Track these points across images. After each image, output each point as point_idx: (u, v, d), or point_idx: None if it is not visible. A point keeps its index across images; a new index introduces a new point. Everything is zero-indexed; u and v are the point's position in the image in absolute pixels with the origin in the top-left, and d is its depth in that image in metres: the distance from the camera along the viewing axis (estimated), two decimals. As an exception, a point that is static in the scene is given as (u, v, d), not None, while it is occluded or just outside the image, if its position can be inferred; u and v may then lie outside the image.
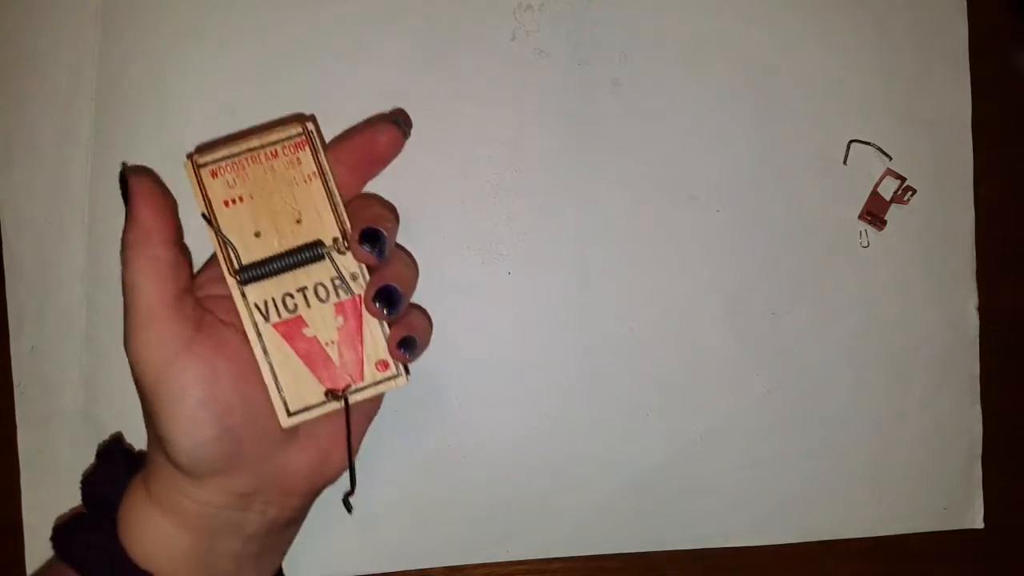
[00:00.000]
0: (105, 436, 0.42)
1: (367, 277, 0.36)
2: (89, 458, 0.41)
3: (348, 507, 0.37)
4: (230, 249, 0.34)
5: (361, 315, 0.36)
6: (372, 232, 0.35)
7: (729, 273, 0.44)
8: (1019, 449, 0.46)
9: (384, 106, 0.42)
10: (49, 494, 0.41)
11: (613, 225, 0.44)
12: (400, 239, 0.41)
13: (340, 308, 0.36)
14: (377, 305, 0.35)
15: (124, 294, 0.34)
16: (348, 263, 0.36)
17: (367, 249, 0.35)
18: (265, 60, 0.42)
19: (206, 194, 0.34)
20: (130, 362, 0.34)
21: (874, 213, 0.45)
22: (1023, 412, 0.46)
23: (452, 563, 0.43)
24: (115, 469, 0.38)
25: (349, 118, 0.42)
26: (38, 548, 0.41)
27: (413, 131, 0.42)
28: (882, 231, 0.45)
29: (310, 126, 0.35)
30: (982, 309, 0.46)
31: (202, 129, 0.42)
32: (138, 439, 0.42)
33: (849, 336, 0.45)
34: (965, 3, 0.46)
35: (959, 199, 0.46)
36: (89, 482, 0.39)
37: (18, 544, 0.41)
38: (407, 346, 0.36)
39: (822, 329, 0.45)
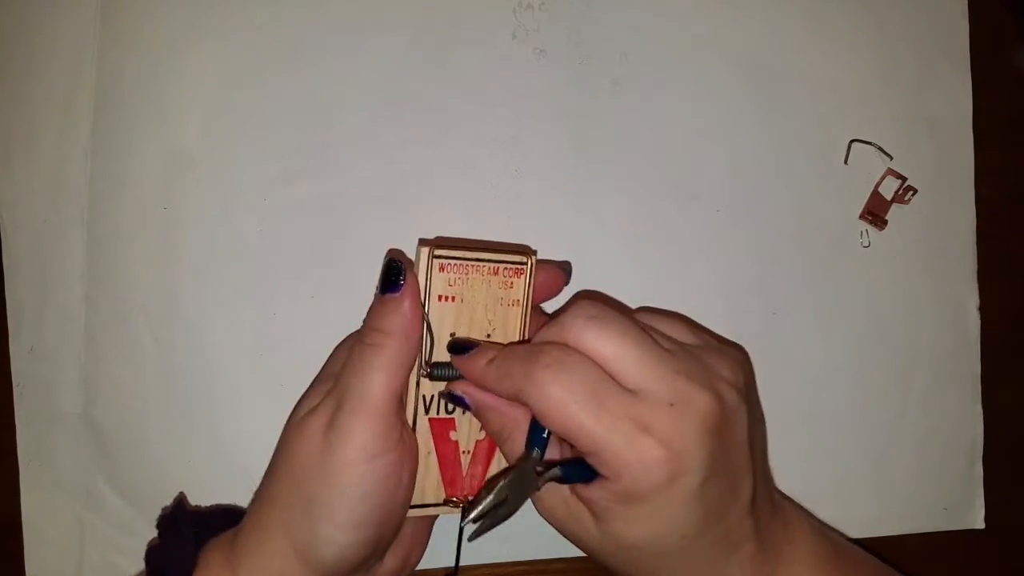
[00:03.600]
0: (105, 436, 0.41)
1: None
2: (89, 458, 0.41)
3: None
4: (430, 340, 0.35)
5: None
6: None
7: (729, 273, 0.44)
8: (1019, 449, 0.46)
9: (384, 106, 0.42)
10: (49, 494, 0.41)
11: (613, 225, 0.44)
12: (400, 238, 0.41)
13: None
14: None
15: (356, 372, 0.33)
16: None
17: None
18: (264, 60, 0.42)
19: (429, 284, 0.35)
20: (333, 442, 0.33)
21: (875, 213, 0.45)
22: (1023, 412, 0.46)
23: (452, 563, 0.43)
24: (184, 542, 0.36)
25: (349, 118, 0.42)
26: (38, 548, 0.41)
27: (413, 131, 0.42)
28: (883, 231, 0.45)
29: (533, 260, 0.37)
30: (982, 309, 0.46)
31: (201, 129, 0.42)
32: (136, 441, 0.42)
33: (849, 336, 0.45)
34: (966, 3, 0.46)
35: (960, 199, 0.46)
36: (156, 555, 0.36)
37: (18, 544, 0.41)
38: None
39: (822, 329, 0.45)
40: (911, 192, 0.45)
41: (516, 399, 0.32)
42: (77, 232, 0.42)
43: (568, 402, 0.30)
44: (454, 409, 0.36)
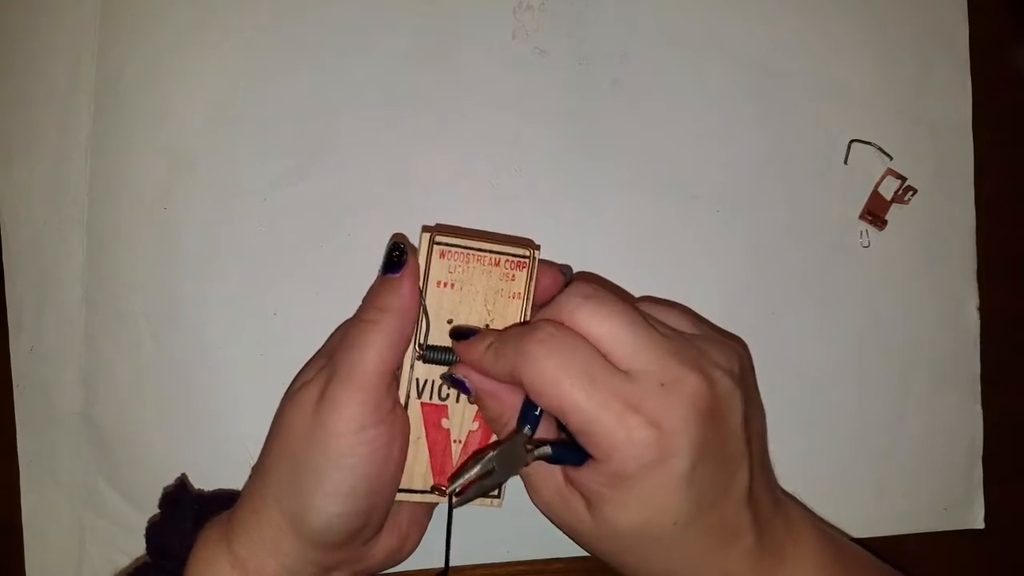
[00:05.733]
0: (105, 436, 0.41)
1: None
2: (89, 458, 0.41)
3: None
4: (426, 323, 0.36)
5: (491, 433, 0.37)
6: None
7: (729, 273, 0.44)
8: (1019, 449, 0.46)
9: (384, 106, 0.42)
10: (49, 494, 0.41)
11: (613, 225, 0.44)
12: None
13: (481, 417, 0.37)
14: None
15: (352, 346, 0.34)
16: None
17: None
18: (264, 60, 0.42)
19: (428, 268, 0.36)
20: (324, 411, 0.33)
21: (875, 213, 0.45)
22: (1023, 412, 0.46)
23: (452, 563, 0.43)
24: (183, 518, 0.37)
25: (349, 118, 0.42)
26: (38, 548, 0.41)
27: (413, 131, 0.42)
28: (883, 231, 0.45)
29: (536, 254, 0.37)
30: (982, 309, 0.46)
31: (201, 129, 0.42)
32: (136, 441, 0.42)
33: (849, 336, 0.45)
34: (966, 3, 0.46)
35: (960, 199, 0.46)
36: (155, 532, 0.37)
37: (18, 544, 0.41)
38: None
39: (822, 329, 0.45)
40: (911, 192, 0.45)
41: (512, 380, 0.32)
42: (77, 232, 0.42)
43: (561, 378, 0.30)
44: (447, 396, 0.36)
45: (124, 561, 0.41)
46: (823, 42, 0.45)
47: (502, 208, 0.43)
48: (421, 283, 0.36)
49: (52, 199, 0.41)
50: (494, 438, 0.36)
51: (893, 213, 0.45)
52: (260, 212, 0.42)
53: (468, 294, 0.36)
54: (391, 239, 0.36)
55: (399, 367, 0.35)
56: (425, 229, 0.36)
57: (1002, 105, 0.46)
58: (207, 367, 0.41)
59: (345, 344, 0.34)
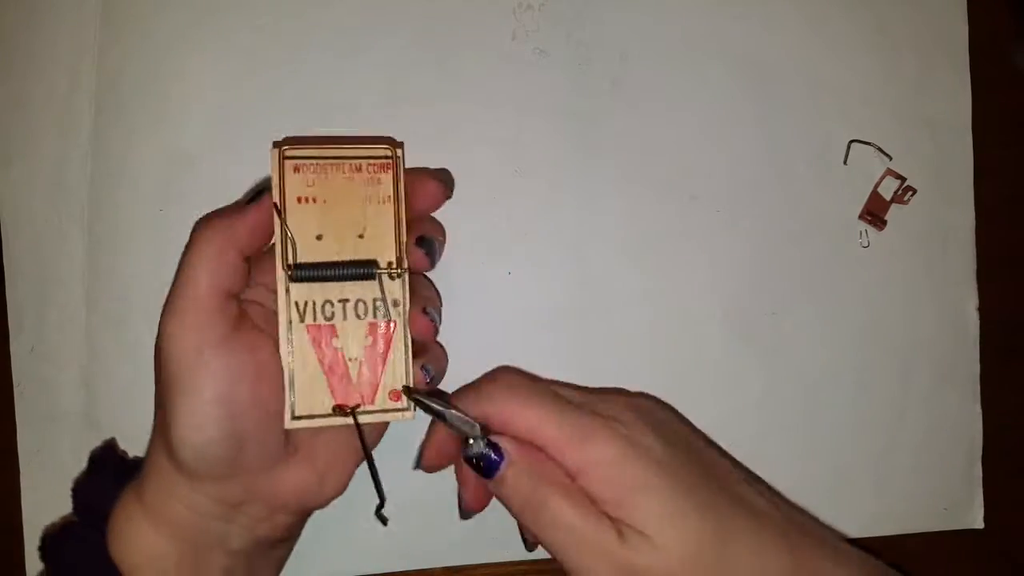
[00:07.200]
0: (105, 436, 0.41)
1: (408, 307, 0.36)
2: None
3: (383, 520, 0.37)
4: (290, 243, 0.35)
5: (391, 341, 0.36)
6: (428, 239, 0.36)
7: (729, 273, 0.44)
8: (1019, 449, 0.46)
9: (384, 106, 0.42)
10: (49, 494, 0.41)
11: (613, 225, 0.44)
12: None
13: (373, 329, 0.36)
14: (425, 314, 0.36)
15: (178, 273, 0.34)
16: (394, 289, 0.36)
17: (422, 252, 0.36)
18: (264, 60, 0.42)
19: (283, 185, 0.34)
20: (158, 343, 0.34)
21: (874, 213, 0.45)
22: (1023, 412, 0.46)
23: (452, 563, 0.43)
24: (107, 477, 0.38)
25: (349, 118, 0.42)
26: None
27: (414, 131, 0.42)
28: (882, 231, 0.45)
29: (399, 152, 0.36)
30: (982, 309, 0.46)
31: (201, 129, 0.42)
32: (135, 442, 0.42)
33: (849, 336, 0.45)
34: (965, 3, 0.46)
35: (959, 199, 0.46)
36: (80, 489, 0.38)
37: (18, 544, 0.41)
38: (427, 371, 0.37)
39: (822, 329, 0.45)
40: (910, 192, 0.45)
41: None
42: (77, 232, 0.42)
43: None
44: (333, 315, 0.35)
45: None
46: (823, 42, 0.45)
47: (502, 208, 0.43)
48: (279, 201, 0.34)
49: (52, 199, 0.41)
50: (393, 350, 0.36)
51: (892, 213, 0.45)
52: (260, 212, 0.42)
53: (333, 206, 0.35)
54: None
55: (234, 291, 0.34)
56: (275, 144, 0.35)
57: (1002, 105, 0.46)
58: (207, 367, 0.41)
59: (175, 274, 0.34)
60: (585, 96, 0.44)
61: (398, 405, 0.36)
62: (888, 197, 0.45)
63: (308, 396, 0.35)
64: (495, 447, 0.34)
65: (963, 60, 0.46)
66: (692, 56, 0.44)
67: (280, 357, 0.35)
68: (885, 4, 0.45)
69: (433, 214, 0.39)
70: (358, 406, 0.36)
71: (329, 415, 0.35)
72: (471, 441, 0.34)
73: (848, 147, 0.45)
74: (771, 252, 0.45)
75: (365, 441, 0.36)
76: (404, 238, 0.36)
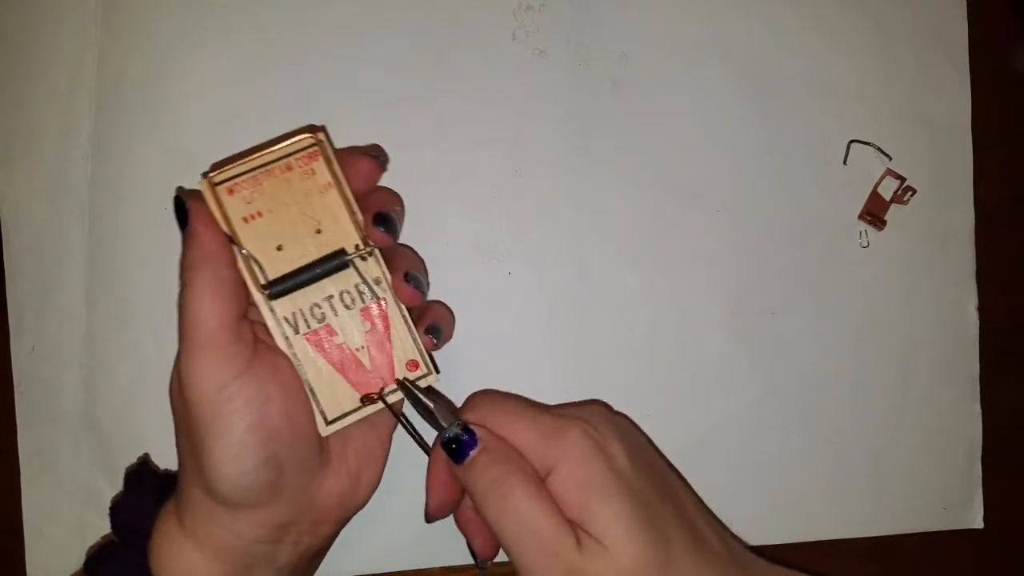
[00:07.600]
0: (105, 437, 0.41)
1: (390, 280, 0.36)
2: (89, 458, 0.41)
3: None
4: (255, 265, 0.34)
5: (388, 318, 0.36)
6: (383, 215, 0.36)
7: (729, 273, 0.44)
8: (1019, 449, 0.46)
9: (384, 106, 0.42)
10: (49, 494, 0.41)
11: (613, 225, 0.44)
12: (401, 239, 0.41)
13: (366, 313, 0.36)
14: (408, 282, 0.36)
15: (182, 315, 0.33)
16: (371, 268, 0.36)
17: (382, 231, 0.35)
18: (264, 60, 0.42)
19: (225, 212, 0.34)
20: (182, 386, 0.33)
21: (874, 213, 0.45)
22: (1023, 412, 0.46)
23: (452, 563, 0.43)
24: (145, 495, 0.37)
25: (349, 119, 0.42)
26: (38, 548, 0.41)
27: (414, 130, 0.42)
28: (882, 231, 0.45)
29: (321, 136, 0.35)
30: (982, 309, 0.46)
31: (201, 129, 0.42)
32: (135, 442, 0.42)
33: (849, 336, 0.45)
34: (965, 3, 0.46)
35: (959, 199, 0.46)
36: (118, 509, 0.38)
37: (18, 544, 0.41)
38: (433, 332, 0.37)
39: (822, 329, 0.45)
40: (910, 192, 0.45)
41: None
42: (77, 232, 0.42)
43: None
44: (323, 316, 0.35)
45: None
46: (823, 42, 0.45)
47: (502, 208, 0.43)
48: (227, 228, 0.34)
49: (52, 199, 0.42)
50: (393, 326, 0.36)
51: (892, 213, 0.45)
52: (260, 212, 0.42)
53: (279, 214, 0.34)
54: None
55: (242, 311, 0.34)
56: (203, 176, 0.34)
57: (1002, 105, 0.46)
58: (207, 367, 0.41)
59: (179, 316, 0.34)
60: (585, 97, 0.44)
61: (419, 373, 0.36)
62: (888, 197, 0.45)
63: (332, 398, 0.35)
64: (471, 432, 0.34)
65: (963, 60, 0.46)
66: (692, 56, 0.44)
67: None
68: (885, 4, 0.45)
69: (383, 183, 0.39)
70: (383, 389, 0.36)
71: (360, 407, 0.36)
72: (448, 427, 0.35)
73: (848, 147, 0.45)
74: (771, 252, 0.45)
75: (403, 418, 0.36)
76: (360, 216, 0.36)
